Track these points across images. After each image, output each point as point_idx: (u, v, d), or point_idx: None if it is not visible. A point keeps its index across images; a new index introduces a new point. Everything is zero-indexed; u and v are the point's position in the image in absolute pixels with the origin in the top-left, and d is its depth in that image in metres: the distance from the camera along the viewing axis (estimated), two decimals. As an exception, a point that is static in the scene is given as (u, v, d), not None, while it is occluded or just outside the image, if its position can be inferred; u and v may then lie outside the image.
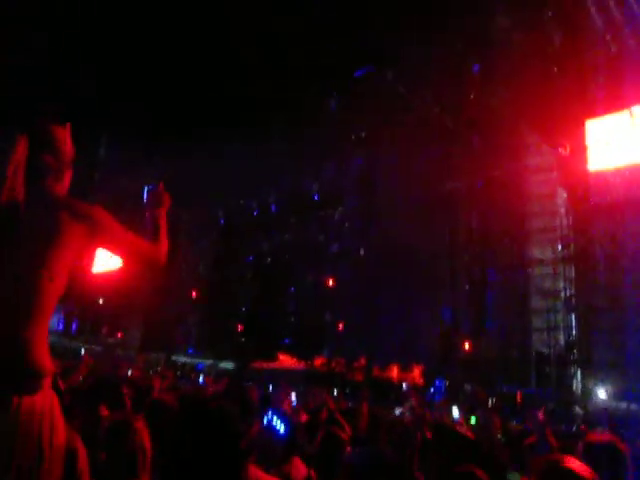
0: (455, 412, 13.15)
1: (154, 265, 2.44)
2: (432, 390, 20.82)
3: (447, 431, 4.31)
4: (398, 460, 3.44)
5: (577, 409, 17.81)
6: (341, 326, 26.10)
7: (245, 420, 3.21)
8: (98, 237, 2.21)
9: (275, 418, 4.23)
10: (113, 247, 2.31)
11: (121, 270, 27.89)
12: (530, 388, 19.26)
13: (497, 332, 21.57)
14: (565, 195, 20.66)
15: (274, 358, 27.97)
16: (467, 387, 20.50)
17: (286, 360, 27.98)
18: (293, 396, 10.54)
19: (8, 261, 2.02)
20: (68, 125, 2.35)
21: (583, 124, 19.09)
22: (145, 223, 2.54)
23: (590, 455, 2.54)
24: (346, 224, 27.53)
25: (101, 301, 31.95)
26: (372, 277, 23.73)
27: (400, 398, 17.65)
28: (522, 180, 21.20)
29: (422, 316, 22.52)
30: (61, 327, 32.20)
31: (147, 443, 2.96)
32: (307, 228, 29.00)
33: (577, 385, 19.06)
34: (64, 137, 2.33)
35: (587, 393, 18.52)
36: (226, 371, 27.63)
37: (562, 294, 20.33)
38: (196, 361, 28.63)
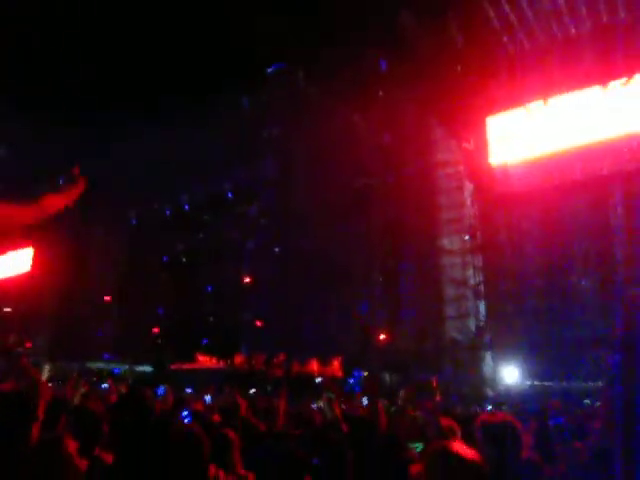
0: (364, 402, 13.52)
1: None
2: (351, 381, 21.21)
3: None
4: (305, 455, 3.60)
5: (488, 391, 18.69)
6: (259, 323, 26.09)
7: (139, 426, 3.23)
8: None
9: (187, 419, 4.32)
10: None
11: (28, 275, 26.74)
12: (445, 373, 19.99)
13: (412, 322, 22.22)
14: (471, 187, 21.55)
15: (193, 359, 27.61)
16: (385, 376, 21.04)
17: (205, 360, 27.70)
18: (207, 397, 10.55)
19: None
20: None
21: (485, 119, 20.04)
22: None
23: (485, 435, 2.72)
24: (261, 221, 27.51)
25: (7, 309, 30.44)
26: (289, 273, 23.87)
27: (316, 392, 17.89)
28: (430, 174, 21.95)
29: (339, 309, 22.88)
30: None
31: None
32: (222, 226, 28.76)
33: (488, 368, 19.96)
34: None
35: (497, 375, 19.47)
36: (144, 374, 27.05)
37: (471, 282, 21.19)
38: (112, 366, 27.84)
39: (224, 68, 20.77)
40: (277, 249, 25.74)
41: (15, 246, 26.19)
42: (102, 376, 23.88)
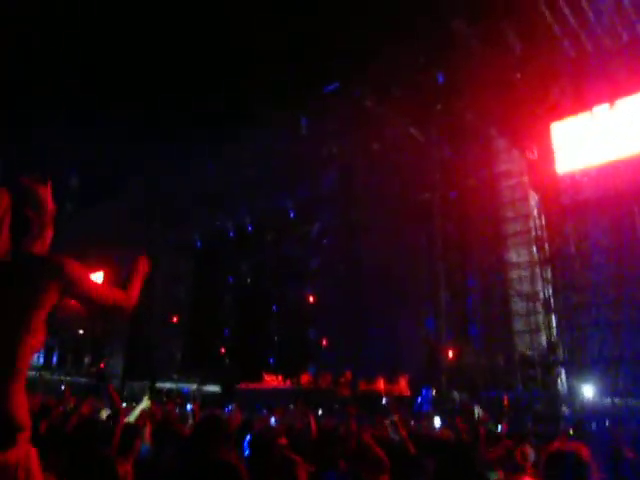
0: (437, 421, 13.20)
1: (120, 312, 2.52)
2: (419, 400, 20.81)
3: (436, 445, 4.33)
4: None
5: (564, 409, 17.94)
6: (325, 342, 26.05)
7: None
8: (70, 291, 2.24)
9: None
10: (82, 299, 2.34)
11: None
12: (516, 391, 19.36)
13: (480, 338, 21.68)
14: (537, 198, 20.93)
15: (259, 379, 27.79)
16: (455, 394, 20.55)
17: (272, 380, 27.82)
18: (272, 419, 10.52)
19: None
20: (49, 184, 2.37)
21: (549, 127, 19.46)
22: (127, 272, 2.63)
23: (548, 467, 2.56)
24: (324, 240, 27.56)
25: (81, 331, 31.55)
26: (353, 291, 23.75)
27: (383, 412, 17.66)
28: (494, 186, 21.46)
29: (405, 326, 22.56)
30: (41, 361, 31.70)
31: None
32: (285, 245, 28.98)
33: (562, 385, 19.18)
34: (46, 195, 2.35)
35: (573, 392, 18.65)
36: (212, 394, 27.39)
37: (541, 295, 20.50)
38: (181, 386, 28.34)
39: (283, 87, 21.02)
40: (340, 267, 25.68)
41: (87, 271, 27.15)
42: (172, 396, 24.37)
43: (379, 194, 22.59)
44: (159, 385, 28.04)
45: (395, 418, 6.43)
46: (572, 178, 19.11)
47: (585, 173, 18.79)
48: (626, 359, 16.94)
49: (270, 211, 28.74)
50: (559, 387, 19.19)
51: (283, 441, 6.34)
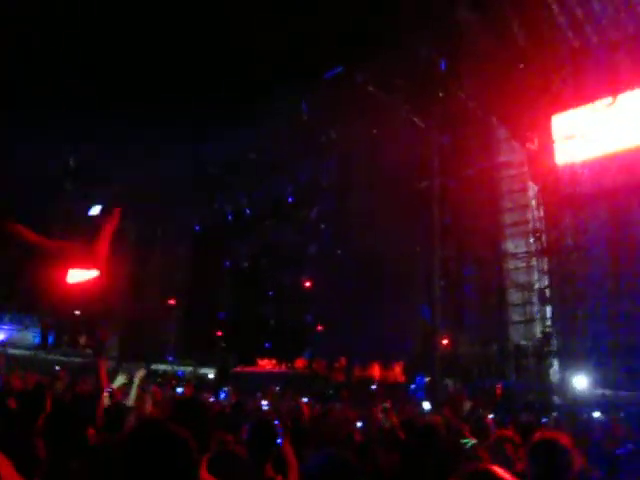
0: (427, 405, 13.34)
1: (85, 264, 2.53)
2: (413, 387, 20.98)
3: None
4: (358, 463, 3.52)
5: (555, 399, 18.08)
6: (320, 327, 26.16)
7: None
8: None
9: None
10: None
11: (98, 279, 27.62)
12: (509, 381, 19.50)
13: (475, 327, 21.80)
14: (535, 189, 20.95)
15: (254, 362, 27.94)
16: (448, 382, 20.70)
17: (267, 364, 27.98)
18: (264, 402, 10.63)
19: None
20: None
21: (549, 119, 19.44)
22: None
23: (531, 454, 2.64)
24: (322, 225, 27.56)
25: (78, 312, 31.55)
26: (350, 277, 23.81)
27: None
28: (493, 176, 21.49)
29: (401, 314, 22.64)
30: (38, 341, 31.73)
31: None
32: (283, 230, 28.98)
33: (555, 375, 19.33)
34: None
35: (565, 383, 18.79)
36: (207, 377, 27.55)
37: (536, 286, 20.59)
38: (176, 369, 28.46)
39: (284, 72, 20.88)
40: (338, 253, 25.72)
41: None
42: (167, 378, 24.50)
43: (378, 181, 22.58)
44: (154, 367, 28.15)
45: (387, 405, 6.52)
46: (571, 170, 19.14)
47: (584, 165, 18.82)
48: (619, 351, 17.07)
49: (269, 196, 28.71)
50: (552, 378, 19.34)
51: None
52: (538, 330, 20.25)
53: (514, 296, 20.92)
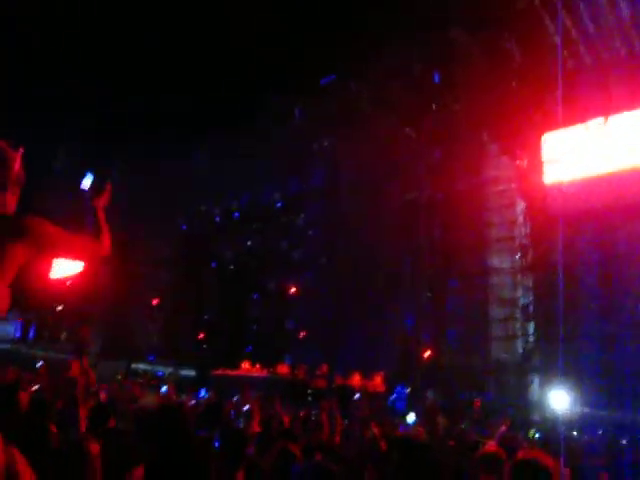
0: (411, 417, 13.32)
1: (97, 257, 2.61)
2: (393, 397, 20.96)
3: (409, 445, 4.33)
4: (344, 473, 3.50)
5: (535, 416, 18.13)
6: (303, 334, 26.10)
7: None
8: (40, 249, 2.27)
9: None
10: (54, 252, 2.40)
11: (81, 276, 27.43)
12: (488, 395, 19.53)
13: (457, 340, 21.84)
14: (523, 206, 21.06)
15: (236, 365, 27.80)
16: (429, 394, 20.70)
17: (249, 367, 27.86)
18: (246, 407, 10.54)
19: None
20: (21, 149, 2.40)
21: (540, 137, 19.57)
22: (87, 215, 2.67)
23: (516, 474, 2.62)
24: (309, 232, 27.55)
25: (60, 307, 31.29)
26: (334, 285, 23.81)
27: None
28: (482, 191, 21.57)
29: (383, 324, 22.66)
30: (18, 334, 31.42)
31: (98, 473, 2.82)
32: (270, 235, 28.94)
33: (535, 392, 19.38)
34: (14, 157, 2.36)
35: (544, 400, 18.85)
36: (187, 378, 27.36)
37: (520, 302, 20.67)
38: (157, 368, 28.26)
39: (278, 79, 20.90)
40: (323, 260, 25.70)
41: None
42: (147, 378, 24.32)
43: (367, 191, 22.62)
44: (134, 366, 27.95)
45: (364, 414, 6.51)
46: (559, 189, 19.25)
47: (572, 185, 18.94)
48: (601, 371, 17.16)
49: (257, 200, 28.68)
50: (531, 394, 19.40)
51: (257, 429, 6.38)
52: (520, 346, 20.32)
53: (498, 311, 20.98)
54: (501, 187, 21.36)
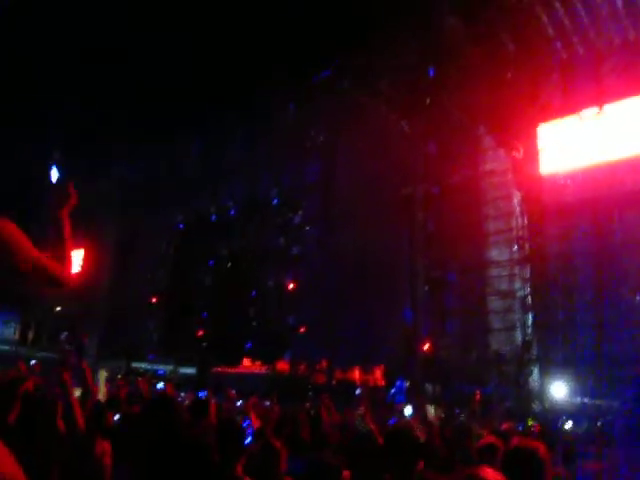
0: (408, 409, 13.36)
1: (55, 286, 2.18)
2: (393, 391, 20.98)
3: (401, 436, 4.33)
4: (339, 465, 3.50)
5: (535, 406, 18.18)
6: (303, 329, 26.09)
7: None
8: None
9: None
10: (16, 265, 1.98)
11: (79, 276, 27.44)
12: (489, 387, 19.56)
13: (456, 332, 21.87)
14: (520, 197, 21.05)
15: (236, 363, 27.81)
16: (428, 387, 20.74)
17: (249, 365, 27.87)
18: (238, 403, 10.58)
19: None
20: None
21: (536, 128, 19.57)
22: (50, 223, 2.33)
23: (505, 463, 2.62)
24: (306, 227, 27.53)
25: (58, 308, 31.30)
26: (333, 280, 23.80)
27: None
28: (478, 183, 21.57)
29: (383, 318, 22.68)
30: (17, 335, 31.42)
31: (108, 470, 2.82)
32: (267, 232, 28.92)
33: (534, 383, 19.42)
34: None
35: (544, 391, 18.91)
36: (188, 376, 27.38)
37: (518, 294, 20.68)
38: (157, 367, 28.27)
39: (272, 75, 20.85)
40: (321, 255, 25.70)
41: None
42: (147, 377, 24.31)
43: (363, 185, 22.61)
44: (134, 365, 27.97)
45: (361, 410, 6.48)
46: (555, 180, 19.27)
47: (568, 175, 18.96)
48: (600, 360, 17.20)
49: (253, 197, 28.66)
50: (531, 385, 19.44)
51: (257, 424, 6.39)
52: (518, 338, 20.34)
53: (496, 303, 20.99)
54: (497, 179, 21.35)
